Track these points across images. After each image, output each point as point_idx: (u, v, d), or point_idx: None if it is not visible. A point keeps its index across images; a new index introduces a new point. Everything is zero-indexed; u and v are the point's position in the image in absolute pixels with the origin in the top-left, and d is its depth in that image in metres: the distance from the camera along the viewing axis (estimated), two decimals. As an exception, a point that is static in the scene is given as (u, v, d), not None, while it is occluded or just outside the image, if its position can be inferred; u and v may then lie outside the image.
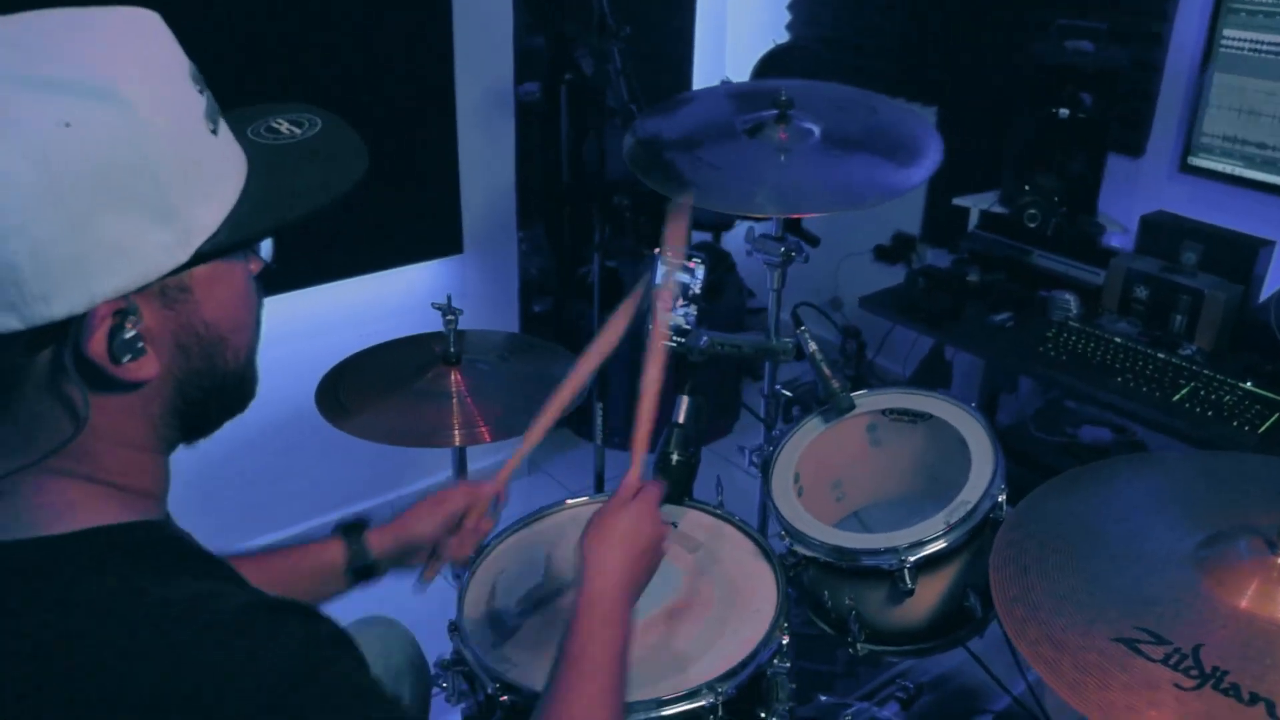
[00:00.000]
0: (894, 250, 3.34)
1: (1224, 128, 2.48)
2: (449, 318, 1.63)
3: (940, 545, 1.39)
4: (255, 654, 0.67)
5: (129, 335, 0.69)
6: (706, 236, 3.65)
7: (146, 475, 0.77)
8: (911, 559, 1.38)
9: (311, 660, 0.69)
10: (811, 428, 1.61)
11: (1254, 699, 1.06)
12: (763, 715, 1.45)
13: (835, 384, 1.54)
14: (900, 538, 1.40)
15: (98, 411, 0.71)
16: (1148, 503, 1.37)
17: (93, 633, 0.66)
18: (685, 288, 1.96)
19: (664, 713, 1.29)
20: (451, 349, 1.65)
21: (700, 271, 1.96)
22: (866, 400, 1.61)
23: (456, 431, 1.55)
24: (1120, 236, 2.62)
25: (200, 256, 0.71)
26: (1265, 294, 2.34)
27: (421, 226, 2.58)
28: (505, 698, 1.34)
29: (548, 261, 3.18)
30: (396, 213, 2.50)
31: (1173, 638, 1.13)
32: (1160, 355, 2.20)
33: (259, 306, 0.83)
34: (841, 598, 1.49)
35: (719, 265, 3.34)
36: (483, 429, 1.56)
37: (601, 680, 0.98)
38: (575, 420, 3.15)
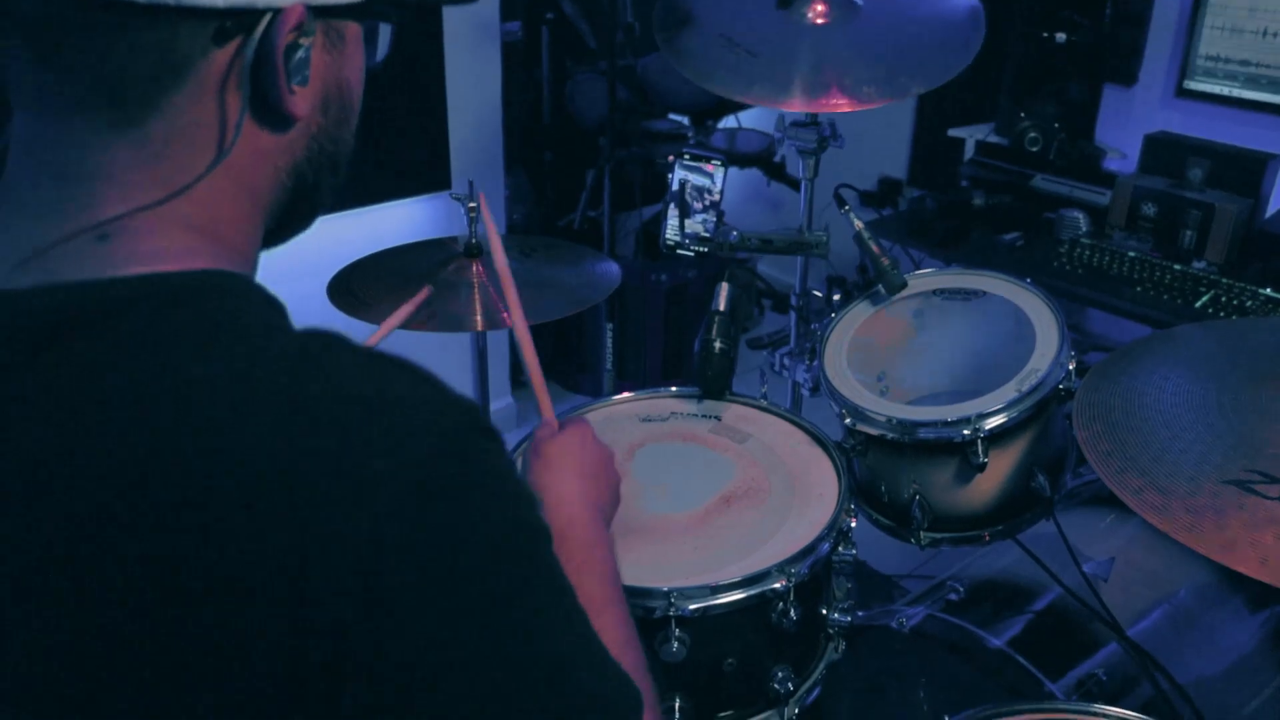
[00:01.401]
0: (881, 195, 3.29)
1: (1220, 49, 2.47)
2: (471, 205, 1.53)
3: (1012, 414, 1.32)
4: (393, 424, 0.57)
5: (301, 55, 0.61)
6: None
7: (247, 242, 0.67)
8: (986, 428, 1.31)
9: (461, 441, 0.59)
10: (860, 311, 1.54)
11: (1384, 529, 1.01)
12: (824, 612, 1.38)
13: (885, 261, 1.47)
14: (970, 408, 1.33)
15: (238, 147, 0.61)
16: (1226, 361, 1.31)
17: (201, 381, 0.55)
18: (703, 191, 1.89)
19: (730, 598, 1.21)
20: (473, 240, 1.55)
21: (719, 175, 1.89)
22: (915, 282, 1.54)
23: (479, 317, 1.45)
24: (1120, 162, 2.59)
25: (364, 8, 0.65)
26: (1272, 208, 2.33)
27: (409, 160, 2.47)
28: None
29: (531, 208, 3.09)
30: (384, 145, 2.39)
31: (1283, 475, 1.08)
32: (1176, 266, 2.17)
33: None
34: (904, 483, 1.42)
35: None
36: (504, 315, 1.47)
37: (613, 613, 0.86)
38: (563, 373, 3.06)
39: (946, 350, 1.53)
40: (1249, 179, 2.29)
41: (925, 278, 1.55)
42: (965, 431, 1.31)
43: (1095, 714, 1.17)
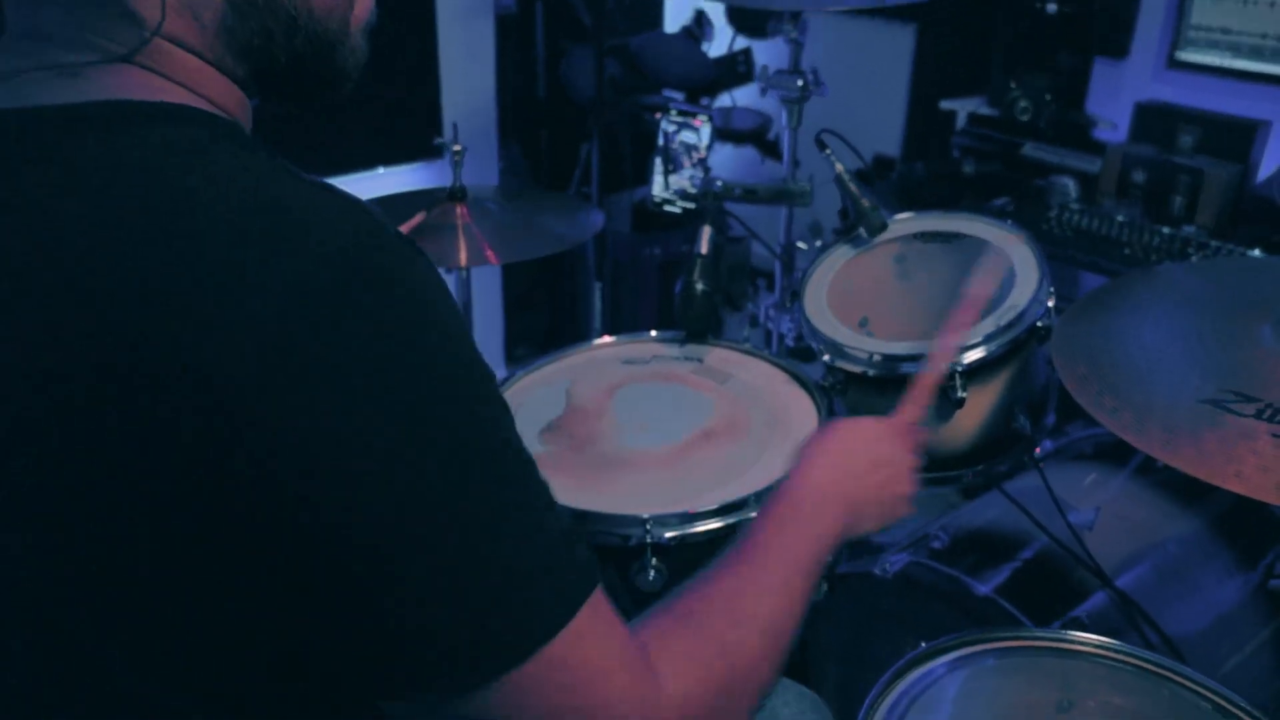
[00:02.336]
0: (874, 174, 3.28)
1: (1211, 19, 2.47)
2: (456, 148, 1.53)
3: (991, 348, 1.32)
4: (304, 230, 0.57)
5: None
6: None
7: (227, 93, 0.68)
8: (964, 363, 1.31)
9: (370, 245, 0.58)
10: (841, 254, 1.53)
11: (1358, 441, 1.01)
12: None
13: (866, 202, 1.47)
14: (925, 346, 1.33)
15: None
16: (1206, 296, 1.31)
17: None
18: (690, 148, 1.89)
19: (706, 526, 1.21)
20: (458, 184, 1.55)
21: (706, 130, 1.89)
22: (895, 226, 1.54)
23: (462, 253, 1.45)
24: (1110, 133, 2.59)
25: None
26: (1264, 174, 2.33)
27: (401, 126, 2.47)
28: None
29: (526, 182, 3.09)
30: (376, 110, 2.39)
31: (1262, 395, 1.08)
32: (1165, 230, 2.17)
33: None
34: (884, 420, 1.41)
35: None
36: (489, 252, 1.47)
37: (764, 581, 0.81)
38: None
39: (928, 292, 1.52)
40: (1238, 145, 2.28)
41: (906, 221, 1.55)
42: (908, 368, 1.31)
43: (1068, 641, 1.17)
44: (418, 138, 2.52)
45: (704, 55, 3.27)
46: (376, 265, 0.57)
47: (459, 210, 1.57)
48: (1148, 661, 1.13)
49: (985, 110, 2.63)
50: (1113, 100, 2.63)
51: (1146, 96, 2.54)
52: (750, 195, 1.68)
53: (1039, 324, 1.35)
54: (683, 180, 1.72)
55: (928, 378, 1.12)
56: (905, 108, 3.17)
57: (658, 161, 1.75)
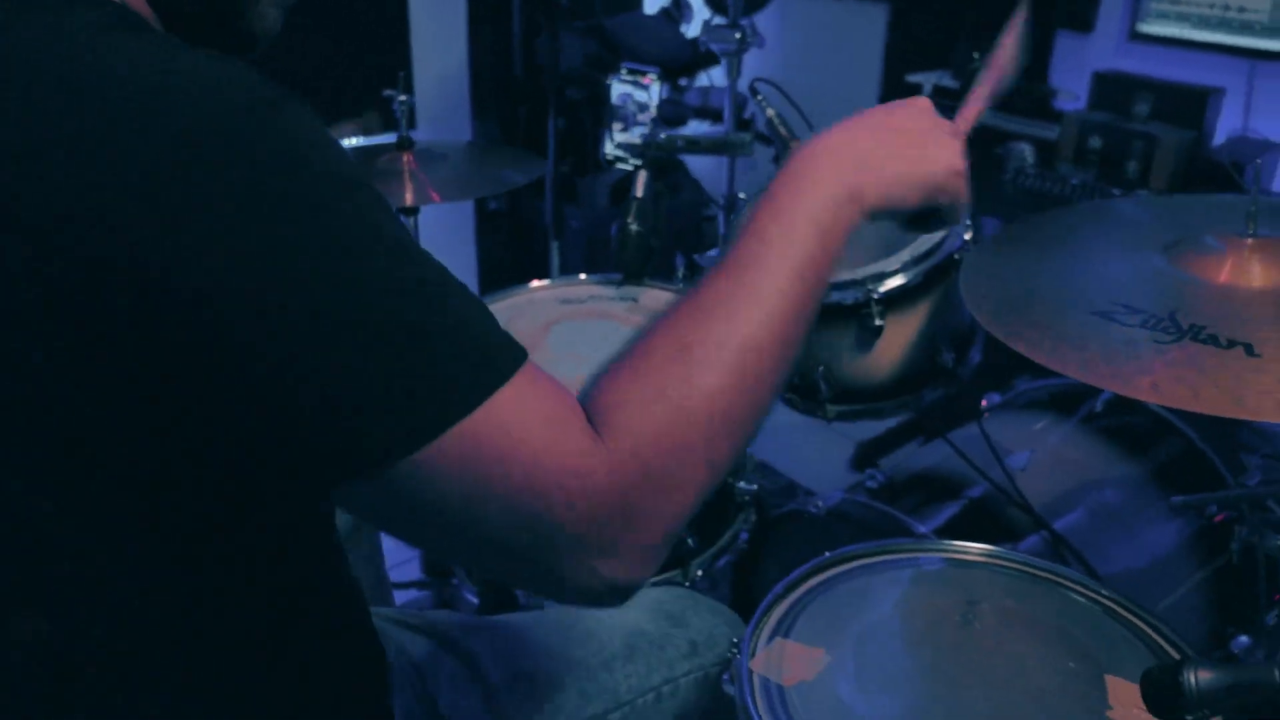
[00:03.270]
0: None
1: (1171, -10, 2.51)
2: (401, 99, 1.59)
3: (908, 277, 1.36)
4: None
5: None
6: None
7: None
8: (879, 290, 1.35)
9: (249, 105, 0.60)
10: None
11: (1231, 343, 1.04)
12: (729, 480, 1.42)
13: (795, 144, 1.51)
14: (864, 271, 1.37)
15: None
16: (1111, 228, 1.35)
17: None
18: (643, 106, 1.94)
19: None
20: (405, 132, 1.61)
21: (655, 89, 1.94)
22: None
23: (408, 193, 1.51)
24: (1072, 103, 2.62)
25: None
26: (1218, 140, 2.36)
27: (372, 100, 2.53)
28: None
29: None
30: (345, 84, 2.45)
31: (1147, 307, 1.12)
32: (1117, 191, 2.21)
33: None
34: (808, 354, 1.45)
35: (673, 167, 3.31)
36: (433, 193, 1.53)
37: (743, 291, 0.72)
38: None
39: (862, 234, 1.56)
40: (1192, 112, 2.32)
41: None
42: (858, 294, 1.35)
43: (964, 551, 1.21)
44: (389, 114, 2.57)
45: (681, 35, 3.32)
46: (253, 110, 0.60)
47: (406, 158, 1.62)
48: (1038, 568, 1.17)
49: (949, 83, 2.67)
50: (1075, 72, 2.67)
51: (1106, 67, 2.58)
52: (693, 146, 1.72)
53: (956, 255, 1.39)
54: (634, 138, 1.76)
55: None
56: (879, 83, 3.21)
57: (611, 120, 1.80)
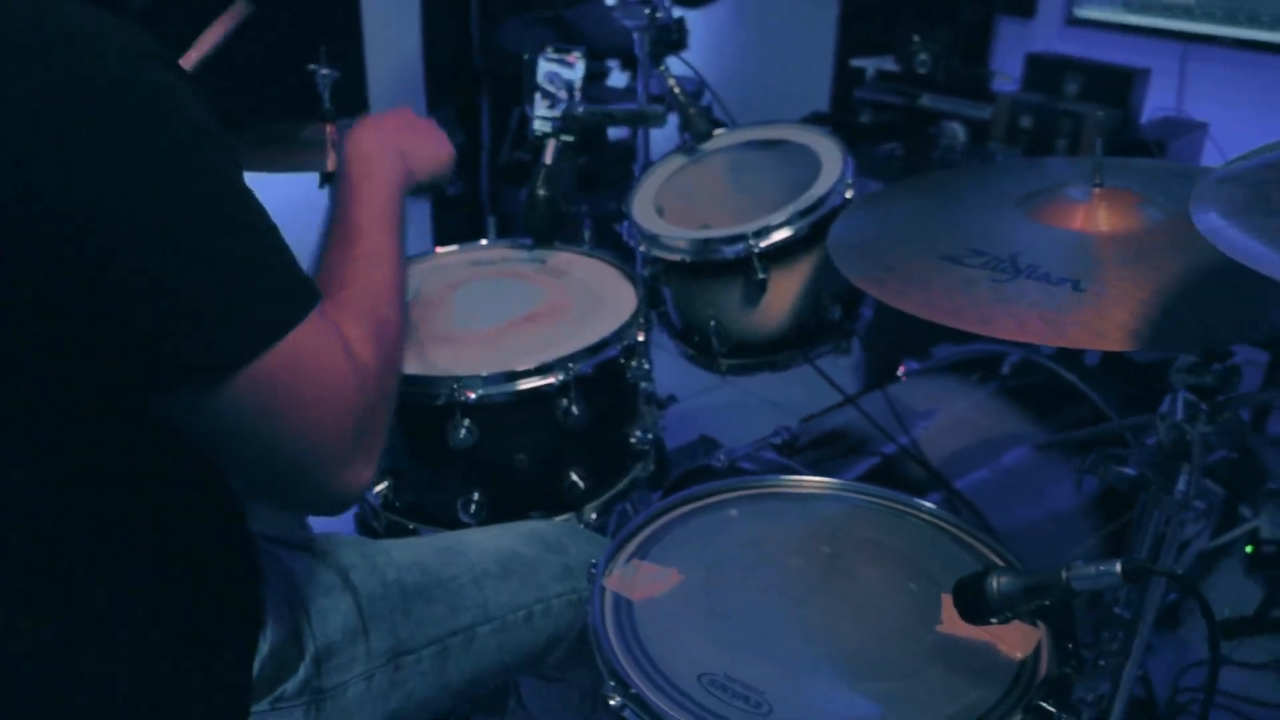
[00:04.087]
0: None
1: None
2: (324, 73, 1.66)
3: (788, 233, 1.42)
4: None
5: None
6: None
7: None
8: (761, 244, 1.41)
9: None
10: (673, 162, 1.64)
11: (1061, 280, 1.10)
12: (625, 429, 1.47)
13: (692, 110, 1.57)
14: (749, 226, 1.43)
15: None
16: (980, 184, 1.41)
17: None
18: (569, 84, 2.00)
19: (511, 387, 1.31)
20: (327, 105, 1.68)
21: (580, 66, 2.00)
22: (727, 138, 1.65)
23: (329, 159, 1.58)
24: (1009, 85, 2.68)
25: None
26: (1146, 118, 2.42)
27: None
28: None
29: (463, 145, 3.21)
30: (294, 69, 2.50)
31: (992, 251, 1.18)
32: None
33: None
34: (700, 310, 1.52)
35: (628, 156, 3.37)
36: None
37: (375, 249, 0.94)
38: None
39: (759, 196, 1.63)
40: (1119, 92, 2.38)
41: (734, 133, 1.65)
42: (741, 248, 1.41)
43: (812, 485, 1.26)
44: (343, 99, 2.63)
45: (640, 25, 3.38)
46: (127, 60, 0.71)
47: (329, 128, 1.69)
48: (890, 499, 1.22)
49: (891, 67, 2.74)
50: (1015, 57, 2.73)
51: (1041, 49, 2.64)
52: (609, 118, 1.78)
53: (838, 208, 1.45)
54: (555, 113, 1.82)
55: None
56: (832, 68, 3.28)
57: (539, 98, 1.85)
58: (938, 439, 1.72)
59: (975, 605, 0.95)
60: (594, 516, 1.44)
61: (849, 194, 1.46)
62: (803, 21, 3.32)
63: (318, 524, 1.19)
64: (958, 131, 2.43)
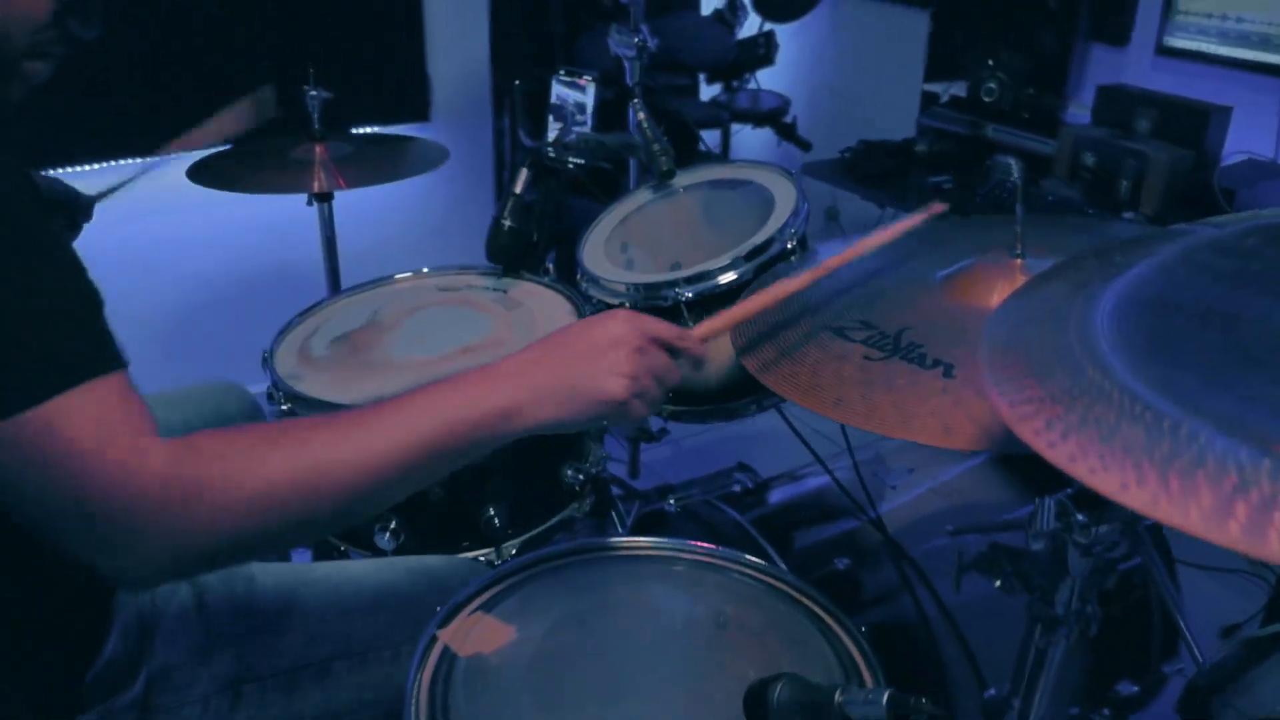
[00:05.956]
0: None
1: (1200, 4, 2.38)
2: (313, 93, 1.71)
3: (724, 279, 1.37)
4: None
5: None
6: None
7: None
8: (690, 292, 1.37)
9: None
10: (639, 197, 1.61)
11: (935, 363, 1.03)
12: (559, 470, 1.46)
13: (656, 147, 1.55)
14: (683, 274, 1.40)
15: None
16: (924, 244, 1.32)
17: None
18: (582, 107, 2.00)
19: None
20: (315, 125, 1.73)
21: (591, 90, 2.00)
22: (694, 174, 1.61)
23: (316, 180, 1.63)
24: (1084, 118, 2.52)
25: None
26: (1226, 162, 2.23)
27: (381, 88, 2.66)
28: (287, 406, 1.39)
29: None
30: (355, 70, 2.57)
31: (881, 324, 1.11)
32: (1090, 211, 2.12)
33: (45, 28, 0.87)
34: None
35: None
36: (340, 179, 1.65)
37: (364, 435, 0.85)
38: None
39: (731, 235, 1.59)
40: (1194, 131, 2.20)
41: (700, 170, 1.61)
42: (669, 295, 1.38)
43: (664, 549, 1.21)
44: (405, 102, 2.71)
45: (727, 37, 3.34)
46: None
47: (318, 149, 1.75)
48: (770, 576, 1.17)
49: (961, 93, 2.62)
50: (1093, 85, 2.56)
51: (1125, 80, 2.47)
52: (600, 146, 1.77)
53: (790, 252, 1.40)
54: (567, 137, 1.83)
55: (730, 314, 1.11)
56: (921, 91, 3.15)
57: (551, 121, 1.87)
58: (903, 498, 1.65)
59: (759, 710, 0.91)
60: (514, 553, 1.45)
61: (792, 244, 1.40)
62: (896, 37, 3.21)
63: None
64: (1011, 167, 2.28)
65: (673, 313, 1.41)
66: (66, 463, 0.75)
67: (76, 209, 1.37)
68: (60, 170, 2.31)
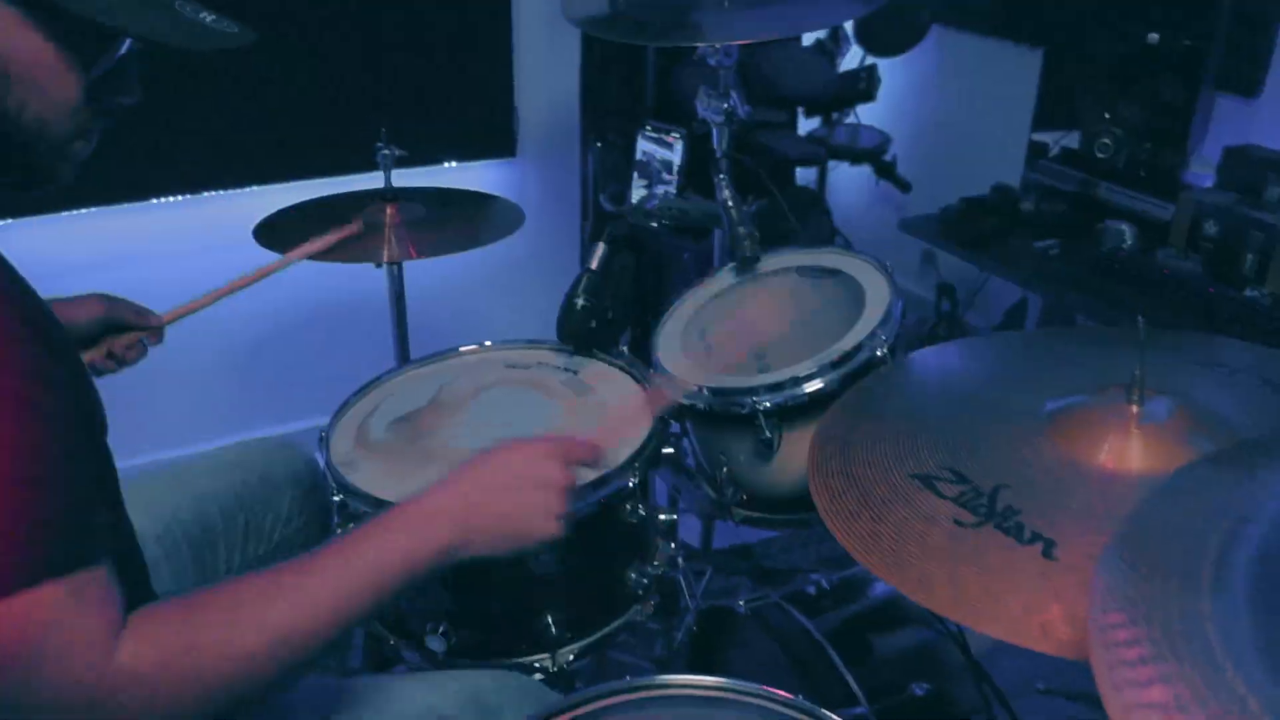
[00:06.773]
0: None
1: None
2: (385, 152, 1.65)
3: (809, 388, 1.28)
4: None
5: None
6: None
7: None
8: (769, 402, 1.28)
9: None
10: (721, 280, 1.52)
11: (1034, 537, 0.92)
12: (621, 574, 1.39)
13: (742, 230, 1.45)
14: (762, 379, 1.30)
15: None
16: (1037, 365, 1.21)
17: None
18: (668, 164, 1.92)
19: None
20: (388, 185, 1.67)
21: (679, 147, 1.91)
22: (781, 258, 1.51)
23: (386, 249, 1.58)
24: (1208, 180, 2.34)
25: None
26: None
27: (467, 122, 2.61)
28: (339, 497, 1.34)
29: (626, 186, 3.17)
30: (440, 103, 2.52)
31: (975, 478, 1.00)
32: (1210, 289, 1.96)
33: (81, 109, 0.87)
34: (715, 454, 1.40)
35: (809, 204, 3.20)
36: (411, 248, 1.60)
37: (296, 591, 0.88)
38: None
39: (819, 330, 1.49)
40: (1333, 203, 2.02)
41: (785, 255, 1.51)
42: (747, 404, 1.29)
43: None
44: (491, 136, 2.66)
45: (827, 70, 3.22)
46: None
47: (388, 210, 1.69)
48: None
49: (1074, 145, 2.46)
50: (1216, 139, 2.38)
51: (1253, 138, 2.28)
52: (683, 216, 1.69)
53: (879, 361, 1.30)
54: (657, 194, 1.76)
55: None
56: (1028, 139, 2.98)
57: (636, 177, 1.79)
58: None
59: None
60: (570, 659, 1.38)
61: (882, 351, 1.30)
62: (1005, 78, 3.04)
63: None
64: (1125, 234, 2.14)
65: (749, 419, 1.32)
66: (26, 655, 0.74)
67: (146, 331, 1.35)
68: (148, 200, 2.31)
